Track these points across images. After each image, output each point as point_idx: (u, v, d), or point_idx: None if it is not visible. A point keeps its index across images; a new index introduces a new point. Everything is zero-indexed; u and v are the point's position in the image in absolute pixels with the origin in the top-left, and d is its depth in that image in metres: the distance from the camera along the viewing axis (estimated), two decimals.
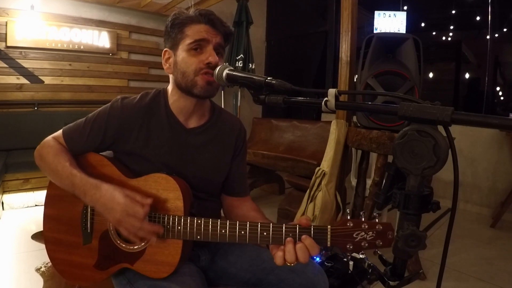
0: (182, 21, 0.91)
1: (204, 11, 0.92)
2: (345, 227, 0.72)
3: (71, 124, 0.97)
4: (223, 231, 0.79)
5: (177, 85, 0.94)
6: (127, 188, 0.88)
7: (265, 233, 0.76)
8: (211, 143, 1.01)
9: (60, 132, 0.96)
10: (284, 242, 0.75)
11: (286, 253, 0.73)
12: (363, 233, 0.72)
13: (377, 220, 0.72)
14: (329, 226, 0.73)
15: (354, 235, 0.72)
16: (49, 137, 0.96)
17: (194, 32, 0.90)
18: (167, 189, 0.85)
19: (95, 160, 0.94)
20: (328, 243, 0.73)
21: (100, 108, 0.96)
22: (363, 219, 0.73)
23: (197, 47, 0.90)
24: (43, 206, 0.96)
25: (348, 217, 0.74)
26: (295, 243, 0.74)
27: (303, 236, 0.73)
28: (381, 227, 0.71)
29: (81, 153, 0.95)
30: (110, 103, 0.96)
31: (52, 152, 0.91)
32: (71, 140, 0.94)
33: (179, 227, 0.82)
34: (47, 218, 0.95)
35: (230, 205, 1.08)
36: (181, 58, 0.91)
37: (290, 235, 0.75)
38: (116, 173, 0.90)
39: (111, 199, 0.80)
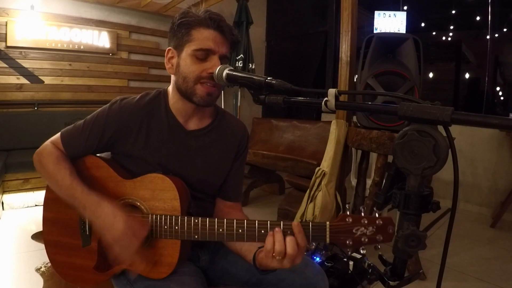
0: (190, 22, 0.88)
1: (214, 16, 0.88)
2: (344, 223, 0.71)
3: (69, 127, 0.95)
4: (221, 230, 0.79)
5: (177, 88, 0.93)
6: (124, 188, 0.88)
7: (262, 231, 0.76)
8: (212, 146, 1.00)
9: (58, 136, 0.94)
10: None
11: (276, 243, 0.72)
12: (363, 228, 0.70)
13: (376, 215, 0.71)
14: (327, 222, 0.72)
15: (353, 231, 0.71)
16: (48, 143, 0.94)
17: (202, 37, 0.87)
18: (164, 189, 0.85)
19: (91, 162, 0.93)
20: (327, 240, 0.72)
21: (99, 109, 0.95)
22: (362, 214, 0.72)
23: (203, 57, 0.87)
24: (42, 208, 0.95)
25: (347, 213, 0.72)
26: (283, 234, 0.73)
27: (293, 223, 0.73)
28: (381, 222, 0.70)
29: (81, 157, 0.93)
30: (108, 104, 0.94)
31: (51, 160, 0.89)
32: (70, 144, 0.92)
33: (176, 227, 0.82)
34: (46, 221, 0.94)
35: (221, 210, 1.06)
36: (184, 62, 0.89)
37: (288, 232, 0.74)
38: (112, 174, 0.90)
39: (111, 223, 0.79)
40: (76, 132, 0.93)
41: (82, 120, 0.95)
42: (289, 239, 0.72)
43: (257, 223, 0.76)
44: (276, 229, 0.73)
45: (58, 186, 0.87)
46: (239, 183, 1.09)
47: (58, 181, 0.87)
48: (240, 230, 0.78)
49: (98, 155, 0.97)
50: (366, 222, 0.71)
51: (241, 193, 1.11)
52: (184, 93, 0.91)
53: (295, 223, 0.73)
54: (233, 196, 1.07)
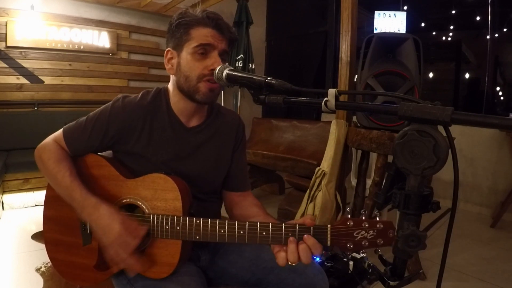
0: (188, 22, 0.89)
1: (212, 14, 0.90)
2: (345, 226, 0.71)
3: (71, 124, 0.95)
4: (222, 231, 0.79)
5: (179, 88, 0.93)
6: (126, 188, 0.88)
7: (264, 233, 0.76)
8: (211, 140, 1.01)
9: (60, 132, 0.94)
10: (283, 242, 0.75)
11: (289, 254, 0.72)
12: (364, 232, 0.71)
13: (377, 218, 0.71)
14: (329, 226, 0.72)
15: (354, 234, 0.71)
16: (50, 139, 0.94)
17: (200, 35, 0.88)
18: (166, 189, 0.85)
19: (93, 161, 0.93)
20: (328, 243, 0.72)
21: (101, 107, 0.95)
22: (363, 218, 0.72)
23: (203, 51, 0.88)
24: (43, 206, 0.95)
25: (349, 216, 0.73)
26: (297, 243, 0.73)
27: (306, 236, 0.72)
28: (382, 226, 0.70)
29: (82, 154, 0.94)
30: (111, 103, 0.95)
31: (52, 157, 0.90)
32: (72, 141, 0.92)
33: (178, 228, 0.82)
34: (47, 219, 0.94)
35: (232, 201, 1.07)
36: (185, 61, 0.90)
37: (290, 234, 0.74)
38: (114, 173, 0.90)
39: (107, 224, 0.80)
40: (78, 128, 0.93)
41: (84, 117, 0.95)
42: (302, 247, 0.72)
43: (259, 225, 0.76)
44: (291, 238, 0.73)
45: (57, 185, 0.88)
46: (244, 172, 1.10)
47: (58, 180, 0.87)
48: (241, 232, 0.78)
49: (99, 153, 0.97)
50: (367, 225, 0.71)
51: (248, 181, 1.12)
52: (186, 92, 0.92)
53: (306, 236, 0.73)
54: (241, 186, 1.08)
